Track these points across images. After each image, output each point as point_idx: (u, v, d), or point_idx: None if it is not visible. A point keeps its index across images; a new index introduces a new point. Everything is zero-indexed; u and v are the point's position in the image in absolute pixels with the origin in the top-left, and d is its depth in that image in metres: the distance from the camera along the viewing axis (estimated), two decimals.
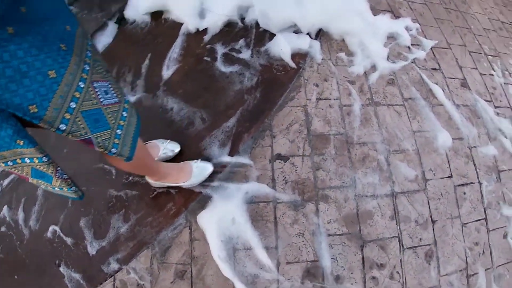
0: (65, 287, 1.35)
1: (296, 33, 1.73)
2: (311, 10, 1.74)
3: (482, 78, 1.98)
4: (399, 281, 1.32)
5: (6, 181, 1.70)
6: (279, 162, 1.42)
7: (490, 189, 1.61)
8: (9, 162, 0.76)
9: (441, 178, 1.54)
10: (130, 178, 1.44)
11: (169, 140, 1.42)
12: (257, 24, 1.76)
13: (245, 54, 1.67)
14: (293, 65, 1.63)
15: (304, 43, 1.69)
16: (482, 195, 1.58)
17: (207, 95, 1.58)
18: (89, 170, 1.49)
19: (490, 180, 1.63)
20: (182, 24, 1.78)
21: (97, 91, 0.77)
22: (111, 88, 0.81)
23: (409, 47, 1.89)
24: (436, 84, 1.80)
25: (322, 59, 1.69)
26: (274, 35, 1.71)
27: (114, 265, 1.32)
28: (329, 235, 1.32)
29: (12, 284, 1.49)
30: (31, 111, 0.66)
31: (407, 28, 1.95)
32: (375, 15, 1.89)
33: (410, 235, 1.39)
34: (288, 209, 1.34)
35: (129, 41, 1.87)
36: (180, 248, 1.29)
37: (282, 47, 1.64)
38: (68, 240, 1.42)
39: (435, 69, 1.88)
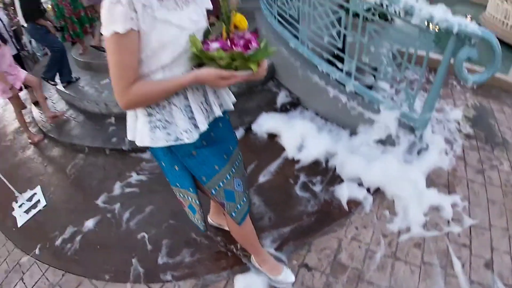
0: (127, 272, 2.10)
1: (359, 185, 2.41)
2: (375, 171, 2.40)
3: None
4: None
5: (128, 189, 2.68)
6: (304, 269, 2.07)
7: None
8: (181, 194, 1.47)
9: None
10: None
11: None
12: (335, 168, 2.52)
13: (317, 188, 2.46)
14: (346, 208, 2.33)
15: (361, 194, 2.36)
16: None
17: (280, 205, 2.41)
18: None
19: None
20: (285, 150, 2.67)
21: (234, 182, 1.41)
22: (242, 183, 1.46)
23: (448, 221, 2.27)
24: (459, 258, 2.14)
25: (370, 210, 2.34)
26: (343, 181, 2.44)
27: (168, 277, 2.03)
28: None
29: (94, 249, 2.33)
30: (203, 179, 1.33)
31: (454, 205, 2.36)
32: (428, 187, 2.40)
33: None
34: None
35: (247, 146, 2.84)
36: None
37: (344, 193, 2.37)
38: (148, 247, 2.24)
39: (465, 245, 2.20)
